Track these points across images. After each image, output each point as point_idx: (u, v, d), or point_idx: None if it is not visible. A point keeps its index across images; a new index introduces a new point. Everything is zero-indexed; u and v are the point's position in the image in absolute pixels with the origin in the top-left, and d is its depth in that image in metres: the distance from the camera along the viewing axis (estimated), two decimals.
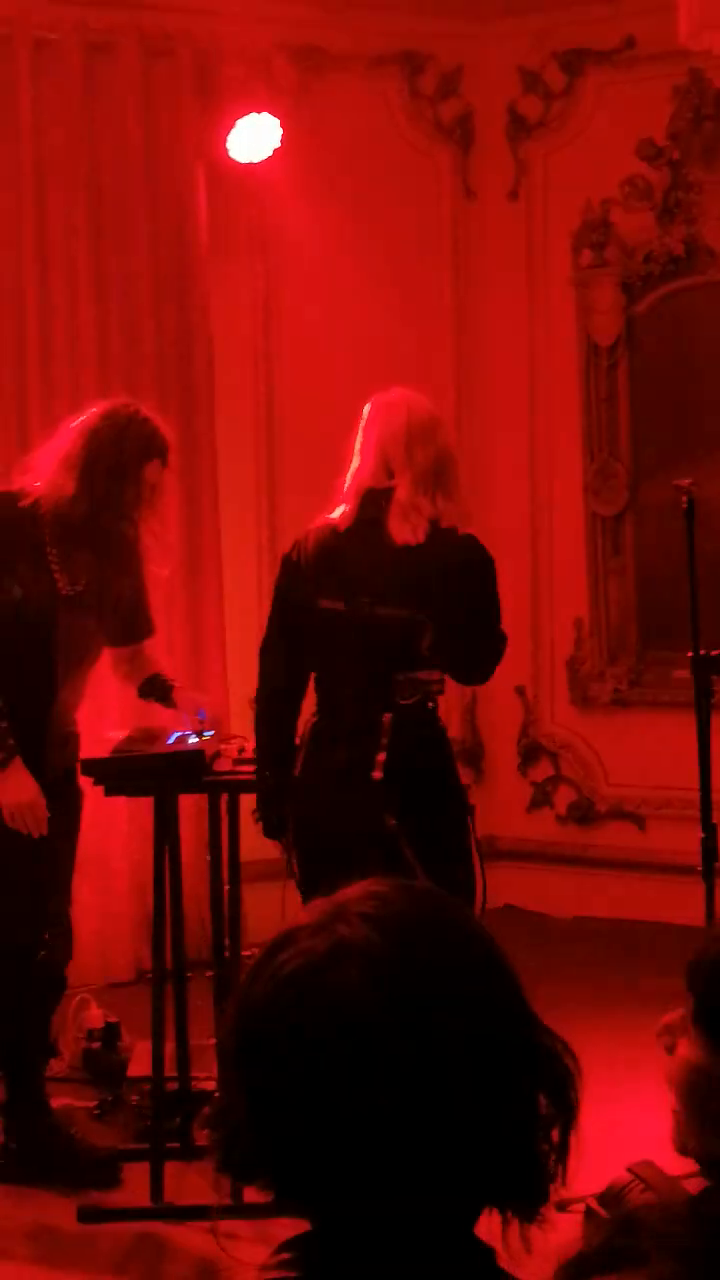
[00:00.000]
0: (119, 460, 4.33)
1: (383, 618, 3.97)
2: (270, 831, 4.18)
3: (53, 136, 6.17)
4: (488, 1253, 1.38)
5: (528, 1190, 1.35)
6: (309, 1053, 1.30)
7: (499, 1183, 1.34)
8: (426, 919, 1.36)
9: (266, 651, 4.24)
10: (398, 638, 3.99)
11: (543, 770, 7.10)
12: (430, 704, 4.06)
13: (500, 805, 7.07)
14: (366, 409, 4.28)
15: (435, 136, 7.03)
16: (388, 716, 3.94)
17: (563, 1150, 1.36)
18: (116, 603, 4.50)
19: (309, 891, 3.88)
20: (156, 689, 4.62)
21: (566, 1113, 1.36)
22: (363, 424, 4.26)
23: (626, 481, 6.84)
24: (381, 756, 3.89)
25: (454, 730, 7.11)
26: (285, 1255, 1.38)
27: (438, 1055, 1.30)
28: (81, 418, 4.44)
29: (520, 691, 7.08)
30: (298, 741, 4.13)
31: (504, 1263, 1.40)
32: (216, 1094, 1.41)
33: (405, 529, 4.05)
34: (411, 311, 7.00)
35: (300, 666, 4.17)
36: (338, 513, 4.19)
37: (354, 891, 1.37)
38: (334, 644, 4.05)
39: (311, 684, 4.21)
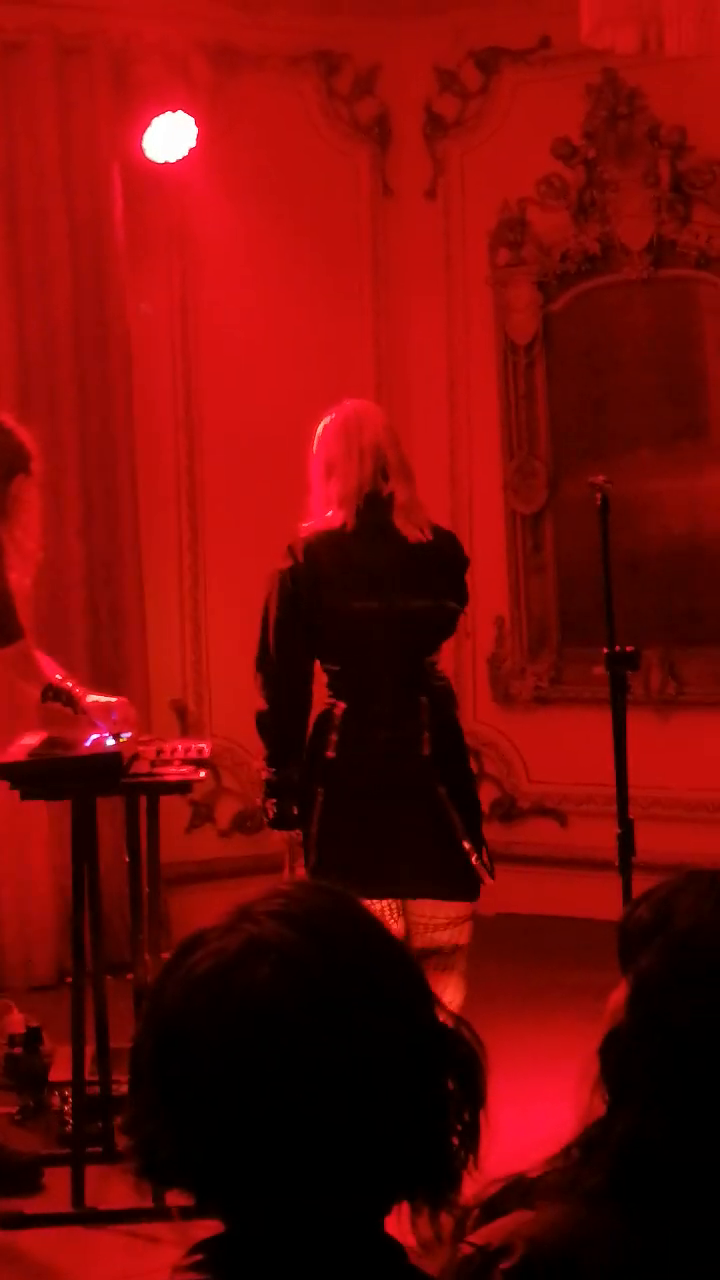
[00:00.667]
0: None
1: (416, 610, 4.31)
2: (281, 823, 4.33)
3: None
4: (397, 1249, 1.39)
5: (439, 1177, 1.36)
6: (223, 1051, 1.30)
7: (411, 1172, 1.35)
8: (331, 914, 1.37)
9: (281, 655, 4.44)
10: (428, 627, 4.37)
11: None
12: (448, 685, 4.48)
13: None
14: (329, 421, 4.50)
15: (352, 135, 7.03)
16: (424, 699, 4.29)
17: (473, 1133, 1.37)
18: None
19: (344, 862, 4.15)
20: (60, 695, 4.59)
21: (475, 1095, 1.37)
22: (332, 435, 4.48)
23: (546, 479, 6.87)
24: (426, 734, 4.25)
25: None
26: (198, 1256, 1.38)
27: (350, 1047, 1.31)
28: None
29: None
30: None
31: (414, 1258, 1.41)
32: (130, 1099, 1.40)
33: (412, 527, 4.37)
34: (330, 310, 7.00)
35: (311, 665, 4.43)
36: (332, 518, 4.44)
37: (257, 894, 1.38)
38: (368, 639, 4.31)
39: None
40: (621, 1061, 1.59)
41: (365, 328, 7.07)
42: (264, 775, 4.36)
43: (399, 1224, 1.39)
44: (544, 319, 6.81)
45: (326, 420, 4.48)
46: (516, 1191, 1.61)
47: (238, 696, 6.84)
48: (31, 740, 4.45)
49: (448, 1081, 1.35)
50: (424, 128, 7.07)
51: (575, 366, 6.81)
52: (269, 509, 6.89)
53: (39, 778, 4.21)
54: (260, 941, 1.32)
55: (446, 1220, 1.38)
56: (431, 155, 7.07)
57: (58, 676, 4.66)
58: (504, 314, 6.89)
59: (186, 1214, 1.40)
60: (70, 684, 4.64)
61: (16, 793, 4.36)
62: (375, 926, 1.39)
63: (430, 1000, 1.38)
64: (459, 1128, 1.36)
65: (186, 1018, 1.32)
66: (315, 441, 4.46)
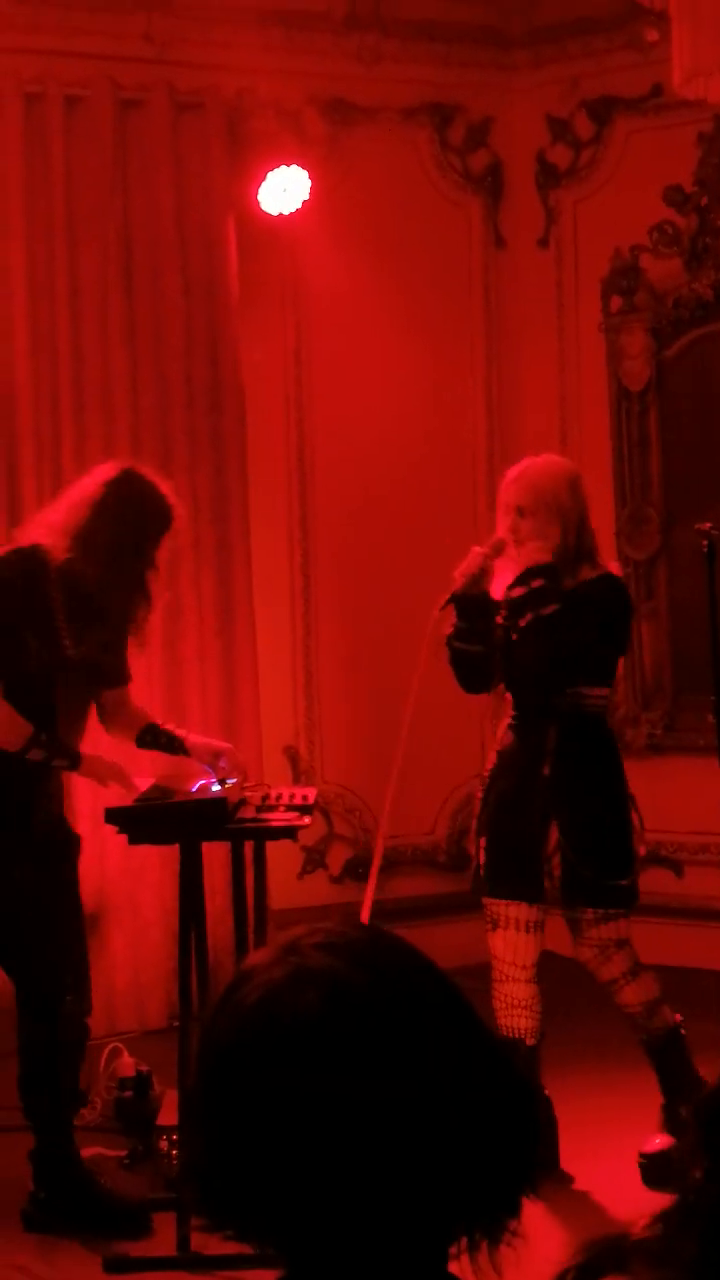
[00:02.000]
0: (133, 540, 4.34)
1: None
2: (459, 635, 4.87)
3: (85, 191, 6.25)
4: None
5: (496, 1206, 1.34)
6: (276, 1082, 1.30)
7: (469, 1202, 1.34)
8: (374, 944, 1.37)
9: None
10: None
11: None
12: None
13: None
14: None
15: (465, 186, 7.08)
16: (553, 728, 4.82)
17: (529, 1162, 1.36)
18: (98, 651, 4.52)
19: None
20: (159, 739, 4.63)
21: (530, 1123, 1.36)
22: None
23: (659, 525, 6.83)
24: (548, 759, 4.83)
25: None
26: None
27: (402, 1073, 1.30)
28: (92, 482, 4.42)
29: None
30: None
31: None
32: (183, 1141, 1.40)
33: None
34: (443, 360, 7.03)
35: None
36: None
37: (301, 928, 1.38)
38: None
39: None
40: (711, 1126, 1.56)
41: (478, 377, 7.09)
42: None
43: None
44: (657, 365, 6.79)
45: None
46: (613, 1255, 1.59)
47: (349, 743, 6.89)
48: (142, 783, 4.50)
49: (502, 1109, 1.34)
50: (536, 177, 7.10)
51: (688, 413, 6.78)
52: (380, 557, 6.94)
53: (146, 822, 4.25)
54: (307, 970, 1.33)
55: (505, 1253, 1.37)
56: (544, 205, 7.09)
57: (157, 721, 4.71)
58: (617, 361, 6.88)
59: None
60: (170, 727, 4.69)
61: (125, 837, 4.39)
62: (417, 956, 1.39)
63: (482, 1028, 1.37)
64: (514, 1156, 1.35)
65: (238, 1050, 1.32)
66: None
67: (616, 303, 6.88)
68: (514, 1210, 1.37)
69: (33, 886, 4.40)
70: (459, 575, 4.67)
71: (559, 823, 4.59)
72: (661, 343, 6.78)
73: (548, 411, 7.08)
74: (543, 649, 4.59)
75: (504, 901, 4.71)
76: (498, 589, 4.70)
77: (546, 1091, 4.65)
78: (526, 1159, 1.37)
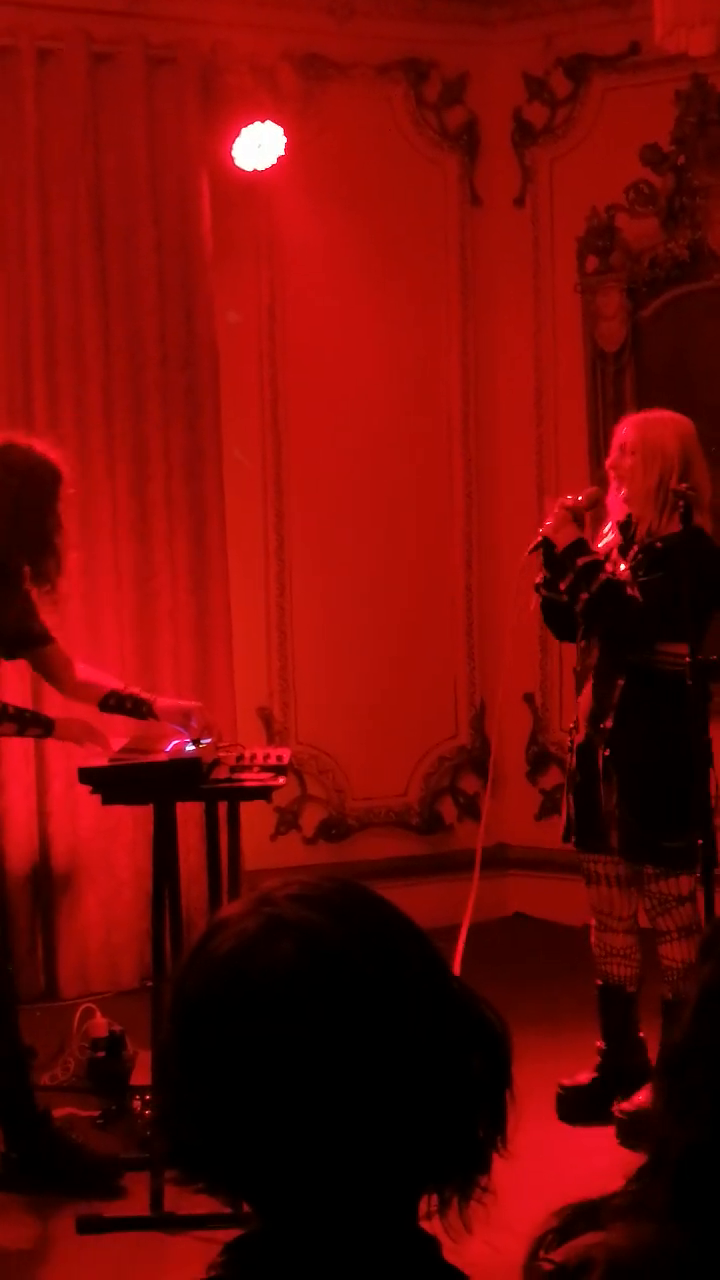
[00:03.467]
0: (28, 505, 4.33)
1: None
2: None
3: (57, 146, 6.18)
4: (432, 1242, 1.37)
5: (468, 1161, 1.34)
6: (248, 1031, 1.29)
7: (440, 1158, 1.33)
8: (348, 895, 1.37)
9: None
10: None
11: (552, 778, 7.07)
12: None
13: (509, 813, 7.05)
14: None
15: (440, 143, 7.02)
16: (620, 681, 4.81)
17: (500, 1116, 1.35)
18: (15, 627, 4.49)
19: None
20: (124, 704, 4.61)
21: (501, 1076, 1.35)
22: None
23: None
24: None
25: (462, 738, 7.12)
26: (229, 1255, 1.37)
27: (375, 1024, 1.29)
28: None
29: (529, 699, 7.06)
30: None
31: (447, 1253, 1.39)
32: (156, 1094, 1.39)
33: None
34: (418, 319, 7.00)
35: None
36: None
37: (274, 881, 1.37)
38: None
39: None
40: (682, 1076, 1.57)
41: (453, 336, 7.05)
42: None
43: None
44: (633, 326, 6.76)
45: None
46: (588, 1215, 1.58)
47: (322, 704, 6.88)
48: (114, 744, 4.48)
49: (474, 1061, 1.33)
50: (512, 135, 7.05)
51: (664, 374, 6.75)
52: (356, 516, 6.91)
53: (120, 782, 4.22)
54: (281, 921, 1.32)
55: (476, 1210, 1.36)
56: (520, 163, 7.04)
57: (119, 685, 4.69)
58: (593, 322, 6.85)
59: None
60: (135, 690, 4.67)
61: (99, 797, 4.37)
62: (392, 909, 1.38)
63: (452, 980, 1.37)
64: (487, 1110, 1.34)
65: (210, 1001, 1.31)
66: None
67: (592, 262, 6.85)
68: (484, 1166, 1.36)
69: None
70: (547, 530, 4.72)
71: (618, 778, 4.62)
72: (637, 303, 6.75)
73: (523, 371, 7.04)
74: (606, 616, 4.63)
75: (589, 855, 4.83)
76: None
77: (642, 1036, 4.81)
78: (498, 1114, 1.36)
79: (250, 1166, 1.32)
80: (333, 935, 1.31)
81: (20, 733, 4.39)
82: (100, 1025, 5.27)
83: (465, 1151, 1.34)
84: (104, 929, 6.27)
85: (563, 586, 4.69)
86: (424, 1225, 1.39)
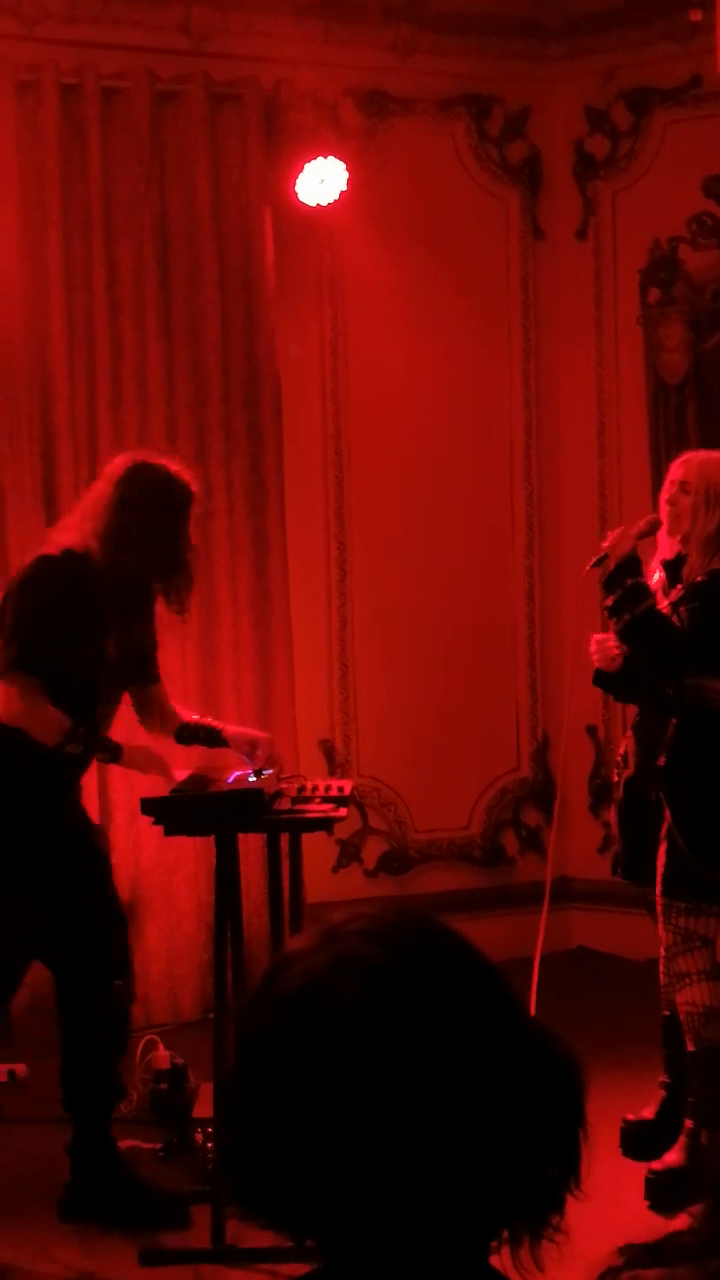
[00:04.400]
0: (162, 525, 4.36)
1: None
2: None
3: (122, 182, 6.24)
4: None
5: (540, 1202, 1.32)
6: (314, 1071, 1.27)
7: (511, 1198, 1.31)
8: (417, 931, 1.35)
9: None
10: None
11: (614, 807, 7.04)
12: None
13: (572, 846, 7.02)
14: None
15: (502, 177, 7.04)
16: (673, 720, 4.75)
17: (572, 1154, 1.34)
18: (135, 648, 4.53)
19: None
20: (198, 734, 4.64)
21: (575, 1114, 1.33)
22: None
23: None
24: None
25: (524, 770, 7.10)
26: None
27: (443, 1062, 1.28)
28: (104, 482, 4.45)
29: (591, 732, 7.03)
30: None
31: None
32: (221, 1131, 1.38)
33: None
34: (480, 352, 7.01)
35: None
36: None
37: (340, 914, 1.36)
38: None
39: None
40: None
41: (515, 369, 7.06)
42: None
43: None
44: (696, 358, 6.75)
45: None
46: (652, 1252, 1.57)
47: (384, 736, 6.88)
48: (178, 775, 4.49)
49: (547, 1101, 1.32)
50: (574, 168, 7.06)
51: None
52: (417, 550, 6.92)
53: (181, 813, 4.23)
54: (348, 958, 1.30)
55: (548, 1248, 1.35)
56: (582, 196, 7.05)
57: (194, 716, 4.72)
58: (655, 353, 6.83)
59: None
60: (208, 720, 4.70)
61: (160, 828, 4.39)
62: (462, 943, 1.36)
63: (525, 1017, 1.34)
64: (559, 1149, 1.32)
65: (277, 1040, 1.30)
66: None
67: (654, 294, 6.84)
68: (557, 1205, 1.35)
69: (69, 878, 4.40)
70: (607, 545, 4.72)
71: (670, 811, 4.58)
72: (700, 335, 6.73)
73: (585, 404, 7.04)
74: (645, 642, 4.60)
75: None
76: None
77: None
78: (571, 1151, 1.34)
79: (315, 1205, 1.30)
80: (401, 973, 1.29)
81: (85, 753, 4.40)
82: (163, 1057, 5.28)
83: (537, 1191, 1.32)
84: (165, 960, 6.28)
85: (608, 603, 4.67)
86: (494, 1262, 1.38)
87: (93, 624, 4.36)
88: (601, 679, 4.87)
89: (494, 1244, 1.36)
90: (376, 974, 1.29)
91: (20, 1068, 5.57)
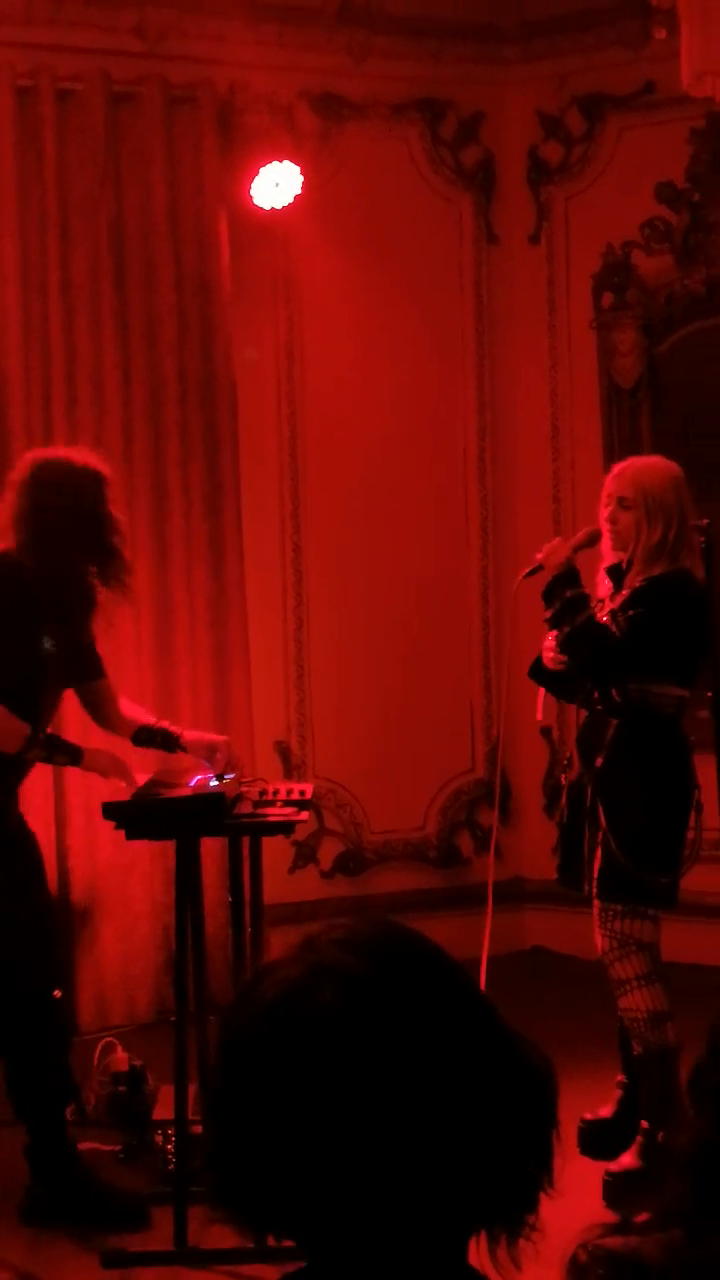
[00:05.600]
0: (81, 514, 4.33)
1: None
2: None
3: (77, 184, 6.24)
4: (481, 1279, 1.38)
5: (516, 1202, 1.35)
6: (294, 1076, 1.30)
7: (487, 1198, 1.34)
8: (393, 939, 1.38)
9: None
10: None
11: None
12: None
13: (526, 847, 7.07)
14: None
15: (456, 181, 7.08)
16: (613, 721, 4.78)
17: (546, 1154, 1.37)
18: (74, 646, 4.52)
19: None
20: (154, 738, 4.64)
21: (548, 1116, 1.36)
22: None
23: None
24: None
25: (479, 771, 7.14)
26: None
27: (418, 1068, 1.31)
28: (10, 488, 4.40)
29: (545, 733, 7.07)
30: None
31: None
32: (205, 1133, 1.40)
33: None
34: (434, 355, 7.04)
35: None
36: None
37: (320, 925, 1.39)
38: None
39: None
40: (698, 1081, 1.61)
41: (469, 372, 7.10)
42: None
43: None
44: (649, 362, 6.80)
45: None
46: (618, 1229, 1.61)
47: (340, 738, 6.90)
48: (137, 779, 4.50)
49: (520, 1102, 1.35)
50: (528, 174, 7.10)
51: (680, 409, 6.79)
52: (372, 552, 6.95)
53: (144, 818, 4.24)
54: (324, 967, 1.33)
55: (524, 1246, 1.38)
56: (535, 201, 7.10)
57: (151, 720, 4.72)
58: (608, 358, 6.89)
59: (291, 1255, 1.40)
60: (165, 725, 4.70)
61: (118, 833, 4.39)
62: (436, 951, 1.39)
63: (499, 1022, 1.38)
64: (534, 1148, 1.35)
65: (256, 1048, 1.33)
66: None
67: (608, 299, 6.89)
68: (532, 1204, 1.38)
69: (9, 885, 4.40)
70: (541, 557, 4.74)
71: (605, 813, 4.59)
72: (653, 339, 6.79)
73: (539, 407, 7.09)
74: (584, 653, 4.62)
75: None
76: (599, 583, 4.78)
77: None
78: (544, 1151, 1.37)
79: (296, 1206, 1.33)
80: (374, 980, 1.33)
81: (48, 759, 4.40)
82: (121, 1060, 5.28)
83: (513, 1190, 1.35)
84: (121, 962, 6.29)
85: (547, 615, 4.69)
86: (472, 1261, 1.40)
87: (26, 623, 4.34)
88: (537, 673, 4.88)
89: (472, 1243, 1.39)
90: (350, 981, 1.32)
91: None
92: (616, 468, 4.78)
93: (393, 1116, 1.29)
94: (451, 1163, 1.31)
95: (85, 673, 4.63)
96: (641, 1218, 1.63)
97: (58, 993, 4.50)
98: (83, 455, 4.47)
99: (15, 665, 4.33)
